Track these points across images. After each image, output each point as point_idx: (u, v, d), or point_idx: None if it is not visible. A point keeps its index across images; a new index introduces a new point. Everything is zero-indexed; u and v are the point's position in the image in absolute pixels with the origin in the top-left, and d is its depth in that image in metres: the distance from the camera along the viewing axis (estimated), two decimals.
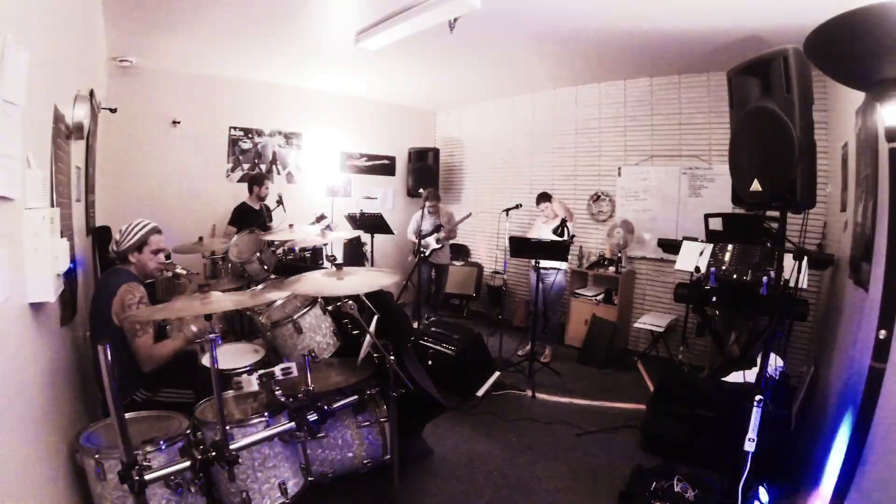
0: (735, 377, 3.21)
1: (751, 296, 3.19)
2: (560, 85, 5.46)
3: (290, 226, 3.52)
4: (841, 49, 1.37)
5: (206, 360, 2.23)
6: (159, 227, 2.42)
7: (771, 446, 2.46)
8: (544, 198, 4.61)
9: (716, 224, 3.39)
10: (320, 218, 4.92)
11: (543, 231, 4.53)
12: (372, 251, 5.45)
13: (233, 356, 2.41)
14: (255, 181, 4.81)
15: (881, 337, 1.46)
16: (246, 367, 2.30)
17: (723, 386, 3.16)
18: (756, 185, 1.81)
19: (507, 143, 6.20)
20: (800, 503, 2.32)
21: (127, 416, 1.58)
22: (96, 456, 1.61)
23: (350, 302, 2.04)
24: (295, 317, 2.33)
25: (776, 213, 1.93)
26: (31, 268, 1.47)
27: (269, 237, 3.21)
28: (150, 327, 2.17)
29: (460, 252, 6.49)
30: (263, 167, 5.60)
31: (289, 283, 2.02)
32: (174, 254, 3.81)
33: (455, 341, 3.77)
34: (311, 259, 4.24)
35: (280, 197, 4.88)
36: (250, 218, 4.59)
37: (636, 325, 4.63)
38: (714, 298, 3.40)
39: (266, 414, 1.90)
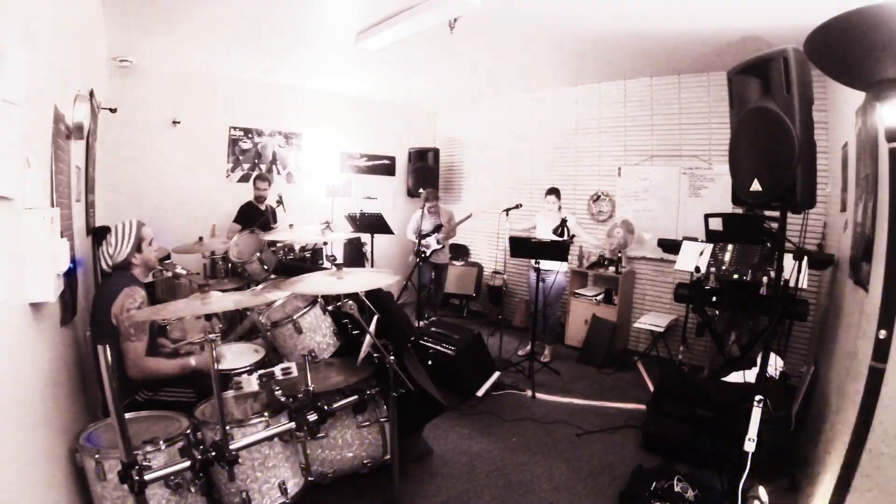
0: (735, 377, 3.22)
1: (751, 296, 3.19)
2: (560, 85, 5.46)
3: (291, 226, 3.52)
4: (841, 49, 1.37)
5: None
6: (142, 220, 2.40)
7: (771, 446, 2.47)
8: (552, 192, 4.60)
9: (716, 224, 3.39)
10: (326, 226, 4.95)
11: (546, 225, 4.53)
12: (372, 251, 5.45)
13: (233, 356, 2.42)
14: (257, 180, 4.84)
15: (881, 337, 1.46)
16: (246, 367, 2.30)
17: (723, 386, 3.16)
18: (756, 185, 1.80)
19: (507, 143, 6.20)
20: (800, 503, 2.33)
21: (127, 416, 1.59)
22: (96, 456, 1.61)
23: (350, 302, 2.04)
24: (295, 317, 2.33)
25: (776, 213, 1.93)
26: (31, 268, 1.46)
27: (269, 237, 3.21)
28: (144, 335, 2.14)
29: (460, 252, 6.49)
30: (263, 167, 5.59)
31: (289, 283, 2.02)
32: (174, 254, 3.82)
33: (455, 341, 3.77)
34: (311, 259, 4.25)
35: (280, 197, 4.89)
36: (255, 217, 4.60)
37: (636, 325, 4.63)
38: (714, 298, 3.40)
39: (266, 414, 1.90)
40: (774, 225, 2.92)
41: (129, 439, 1.40)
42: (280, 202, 4.84)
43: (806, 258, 2.59)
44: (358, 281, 2.04)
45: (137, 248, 2.31)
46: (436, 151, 6.67)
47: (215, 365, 1.61)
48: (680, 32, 3.51)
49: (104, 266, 2.31)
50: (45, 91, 1.77)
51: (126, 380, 2.11)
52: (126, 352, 2.10)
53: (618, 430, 3.28)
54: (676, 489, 2.37)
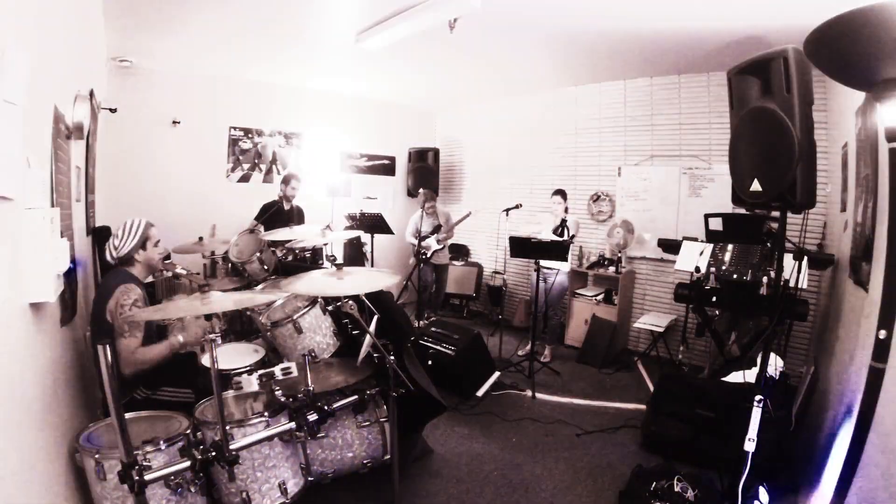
0: (735, 377, 3.22)
1: (751, 296, 3.19)
2: (560, 85, 5.46)
3: (290, 226, 3.52)
4: (841, 49, 1.37)
5: (206, 361, 2.24)
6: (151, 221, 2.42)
7: (771, 446, 2.47)
8: (558, 193, 4.57)
9: (716, 224, 3.38)
10: (350, 227, 4.99)
11: (549, 226, 4.54)
12: (372, 251, 5.45)
13: (233, 356, 2.41)
14: (283, 180, 4.82)
15: (881, 337, 1.46)
16: (246, 367, 2.30)
17: (723, 386, 3.16)
18: (756, 185, 1.81)
19: (507, 143, 6.20)
20: (800, 503, 2.33)
21: (127, 416, 1.59)
22: (96, 456, 1.61)
23: (350, 302, 2.04)
24: (295, 317, 2.33)
25: (776, 213, 1.93)
26: (31, 268, 1.47)
27: (270, 237, 3.21)
28: (138, 331, 2.13)
29: (460, 252, 6.49)
30: (263, 167, 5.60)
31: (289, 283, 2.02)
32: (174, 254, 3.81)
33: (455, 341, 3.77)
34: (311, 259, 4.24)
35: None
36: (275, 215, 4.57)
37: (636, 325, 4.63)
38: (714, 298, 3.39)
39: (266, 414, 1.90)
40: (774, 225, 2.93)
41: (129, 439, 1.40)
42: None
43: (806, 258, 2.59)
44: (358, 281, 2.03)
45: (142, 245, 2.32)
46: (436, 151, 6.67)
47: (216, 365, 1.61)
48: (680, 32, 3.51)
49: (108, 258, 2.33)
50: (45, 91, 1.77)
51: (123, 377, 2.11)
52: (118, 349, 2.09)
53: (618, 430, 3.28)
54: (676, 489, 2.37)
